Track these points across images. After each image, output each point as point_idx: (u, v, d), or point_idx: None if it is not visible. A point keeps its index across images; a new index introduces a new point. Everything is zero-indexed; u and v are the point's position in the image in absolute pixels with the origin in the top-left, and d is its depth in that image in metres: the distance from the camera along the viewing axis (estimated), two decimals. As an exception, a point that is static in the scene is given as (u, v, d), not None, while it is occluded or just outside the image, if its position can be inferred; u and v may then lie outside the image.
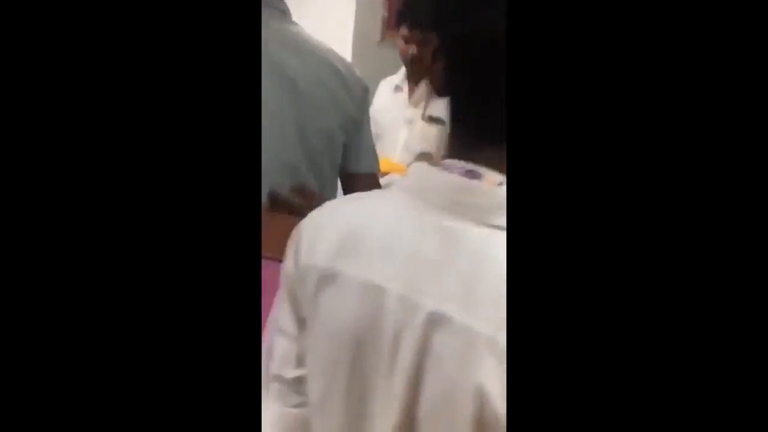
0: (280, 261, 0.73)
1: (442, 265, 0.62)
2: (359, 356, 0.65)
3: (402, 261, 0.64)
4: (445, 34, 0.67)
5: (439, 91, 0.69)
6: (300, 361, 0.71)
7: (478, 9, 0.63)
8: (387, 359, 0.63)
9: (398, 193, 0.69)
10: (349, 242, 0.67)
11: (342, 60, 1.36)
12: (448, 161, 0.66)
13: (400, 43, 2.14)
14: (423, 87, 2.16)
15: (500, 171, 0.63)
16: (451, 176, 0.65)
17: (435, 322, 0.61)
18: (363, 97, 1.38)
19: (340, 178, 1.39)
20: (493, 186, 0.63)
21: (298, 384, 0.71)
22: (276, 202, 1.11)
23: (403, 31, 2.10)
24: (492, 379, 0.57)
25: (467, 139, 0.66)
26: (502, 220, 0.60)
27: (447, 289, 0.61)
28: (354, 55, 3.22)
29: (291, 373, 0.72)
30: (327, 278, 0.67)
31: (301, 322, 0.71)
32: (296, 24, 1.35)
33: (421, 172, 0.68)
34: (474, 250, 0.61)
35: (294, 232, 0.73)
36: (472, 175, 0.64)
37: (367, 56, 3.14)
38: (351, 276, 0.66)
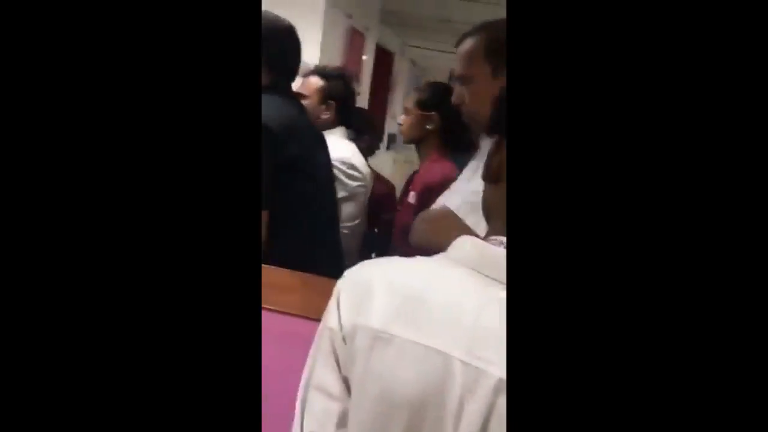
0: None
1: (504, 335, 0.63)
2: (417, 418, 0.66)
3: (465, 329, 0.66)
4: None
5: (495, 179, 0.75)
6: (342, 422, 0.71)
7: None
8: (451, 422, 0.65)
9: (449, 262, 0.71)
10: (408, 307, 0.68)
11: None
12: (500, 237, 0.71)
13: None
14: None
15: None
16: (502, 251, 0.69)
17: (501, 389, 0.64)
18: None
19: None
20: None
21: None
22: None
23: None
24: None
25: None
26: None
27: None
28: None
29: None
30: (382, 340, 0.68)
31: (344, 381, 0.71)
32: None
33: (473, 244, 0.72)
34: None
35: (335, 289, 0.74)
36: None
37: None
38: (411, 340, 0.67)
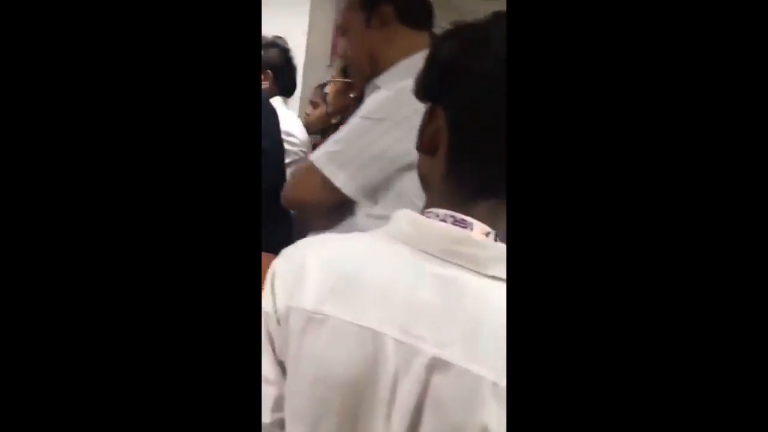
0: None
1: (441, 311, 0.62)
2: (351, 399, 0.65)
3: (399, 307, 0.64)
4: (453, 106, 0.68)
5: (430, 151, 0.71)
6: (278, 406, 0.70)
7: (479, 83, 0.65)
8: (385, 403, 0.63)
9: (385, 237, 0.69)
10: (341, 285, 0.66)
11: None
12: (437, 210, 0.67)
13: None
14: None
15: (489, 224, 0.65)
16: (443, 225, 0.66)
17: (435, 366, 0.61)
18: None
19: None
20: (484, 237, 0.64)
21: (275, 428, 0.70)
22: None
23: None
24: (495, 421, 0.59)
25: (461, 192, 0.67)
26: (499, 271, 0.62)
27: (447, 336, 0.62)
28: (305, 74, 3.45)
29: (268, 417, 0.70)
30: (315, 321, 0.66)
31: (280, 365, 0.70)
32: None
33: (410, 219, 0.68)
34: (474, 297, 0.62)
35: (269, 271, 0.71)
36: (463, 224, 0.65)
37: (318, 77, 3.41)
38: (344, 320, 0.65)
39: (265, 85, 2.23)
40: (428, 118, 0.71)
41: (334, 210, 1.38)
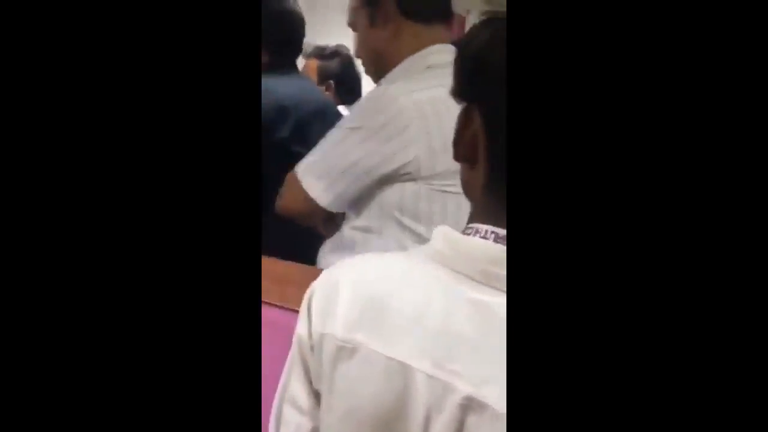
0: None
1: (477, 343, 0.57)
2: None
3: (431, 336, 0.59)
4: (487, 105, 0.62)
5: (468, 159, 0.65)
6: None
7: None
8: None
9: (422, 257, 0.63)
10: (372, 311, 0.62)
11: None
12: (478, 225, 0.61)
13: None
14: None
15: None
16: (481, 243, 0.60)
17: (470, 407, 0.57)
18: None
19: None
20: None
21: None
22: None
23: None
24: None
25: (503, 204, 0.59)
26: None
27: (483, 372, 0.57)
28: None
29: None
30: (346, 350, 0.62)
31: (315, 395, 0.67)
32: None
33: (446, 237, 0.62)
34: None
35: (307, 292, 0.68)
36: (504, 241, 0.59)
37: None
38: (374, 350, 0.61)
39: (328, 95, 2.24)
40: (464, 121, 0.64)
41: (328, 220, 1.36)
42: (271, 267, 1.16)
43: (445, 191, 1.24)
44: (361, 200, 1.29)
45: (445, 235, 0.62)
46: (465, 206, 1.47)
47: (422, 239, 1.25)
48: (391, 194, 1.26)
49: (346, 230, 1.33)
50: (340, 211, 1.32)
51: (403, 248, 1.27)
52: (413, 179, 1.24)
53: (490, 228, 0.60)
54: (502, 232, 0.60)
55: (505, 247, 0.59)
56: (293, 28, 1.69)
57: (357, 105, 1.31)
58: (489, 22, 0.64)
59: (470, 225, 0.63)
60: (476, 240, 0.60)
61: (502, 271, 0.58)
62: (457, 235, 0.62)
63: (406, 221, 1.26)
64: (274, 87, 1.54)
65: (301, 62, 2.00)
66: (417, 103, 1.21)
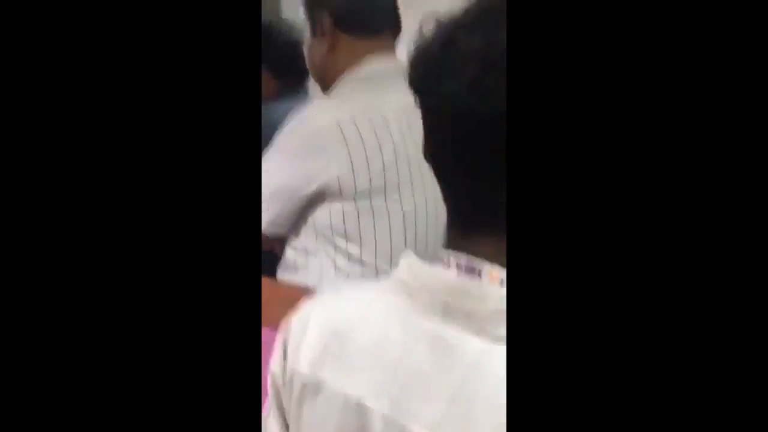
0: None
1: (431, 381, 0.55)
2: None
3: (387, 373, 0.57)
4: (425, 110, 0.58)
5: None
6: None
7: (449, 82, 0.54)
8: None
9: (390, 288, 0.60)
10: (334, 346, 0.60)
11: None
12: (447, 252, 0.57)
13: None
14: None
15: (501, 264, 0.54)
16: (441, 274, 0.56)
17: None
18: None
19: None
20: (496, 284, 0.54)
21: None
22: None
23: None
24: None
25: (462, 224, 0.57)
26: (502, 330, 0.52)
27: (438, 412, 0.54)
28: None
29: None
30: (310, 388, 0.61)
31: (287, 429, 0.66)
32: None
33: (408, 267, 0.59)
34: (467, 364, 0.54)
35: (283, 328, 0.66)
36: (472, 271, 0.55)
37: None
38: (334, 388, 0.59)
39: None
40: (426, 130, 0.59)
41: (282, 241, 1.36)
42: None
43: (373, 210, 1.26)
44: (297, 222, 1.29)
45: (409, 265, 0.59)
46: (396, 226, 1.49)
47: (354, 259, 1.27)
48: (321, 215, 1.27)
49: (288, 251, 1.33)
50: (280, 233, 1.32)
51: (338, 269, 1.28)
52: (338, 199, 1.25)
53: (462, 254, 0.56)
54: (466, 260, 0.56)
55: (465, 279, 0.55)
56: (291, 47, 1.69)
57: (282, 128, 1.31)
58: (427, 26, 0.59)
59: (446, 249, 0.58)
60: (437, 270, 0.57)
61: (462, 304, 0.55)
62: (418, 265, 0.58)
63: (338, 241, 1.27)
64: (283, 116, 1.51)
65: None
66: (338, 122, 1.22)
